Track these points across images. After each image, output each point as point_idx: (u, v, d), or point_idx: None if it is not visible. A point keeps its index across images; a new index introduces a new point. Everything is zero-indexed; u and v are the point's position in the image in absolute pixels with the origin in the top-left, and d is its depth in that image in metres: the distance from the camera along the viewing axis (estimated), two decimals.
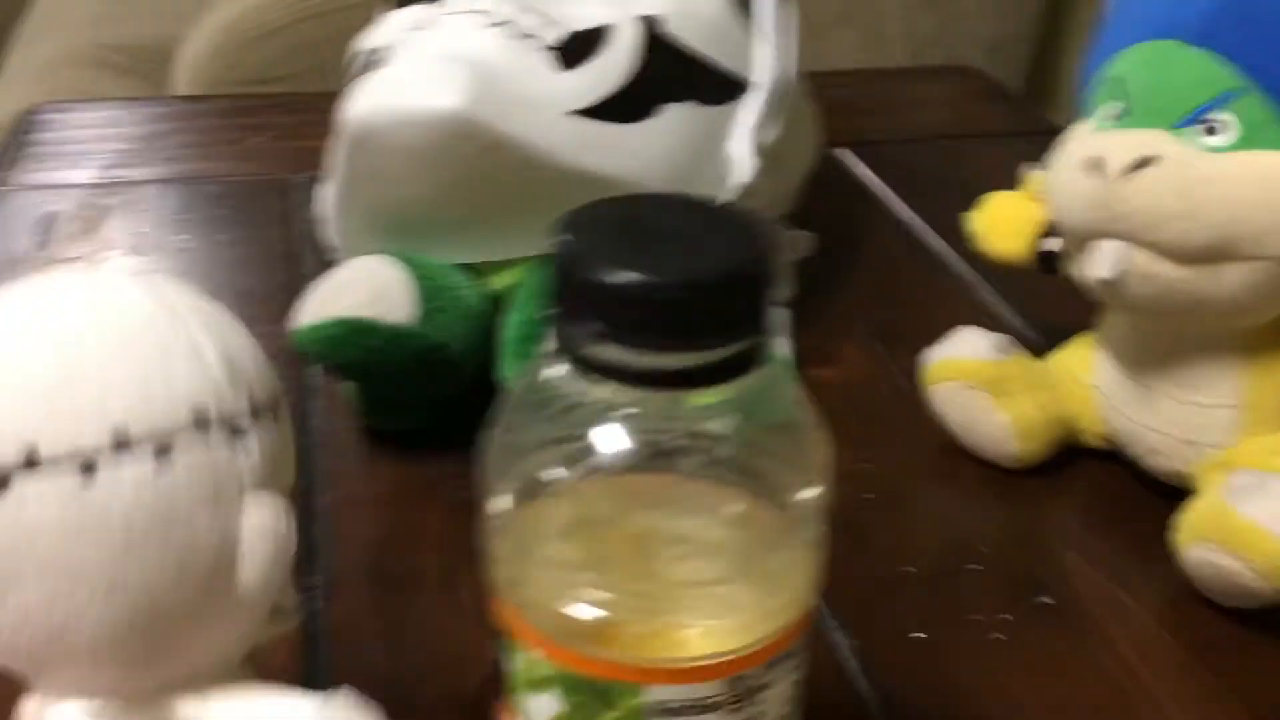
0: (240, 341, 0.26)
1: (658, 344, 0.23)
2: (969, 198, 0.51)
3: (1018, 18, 1.15)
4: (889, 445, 0.47)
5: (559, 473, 0.26)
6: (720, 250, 0.24)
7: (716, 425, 0.26)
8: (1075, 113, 0.42)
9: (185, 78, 1.09)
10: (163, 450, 0.23)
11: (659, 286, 0.23)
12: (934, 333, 0.48)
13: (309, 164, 0.67)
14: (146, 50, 1.29)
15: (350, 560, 0.40)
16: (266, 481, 0.24)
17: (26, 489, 0.22)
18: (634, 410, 0.25)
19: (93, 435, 0.22)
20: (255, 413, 0.25)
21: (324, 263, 0.53)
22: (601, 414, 0.25)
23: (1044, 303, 0.56)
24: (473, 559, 0.40)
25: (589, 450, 0.26)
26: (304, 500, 0.43)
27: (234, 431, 0.24)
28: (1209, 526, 0.38)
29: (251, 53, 1.04)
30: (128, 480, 0.23)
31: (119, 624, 0.23)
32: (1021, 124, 0.78)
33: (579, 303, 0.24)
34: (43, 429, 0.22)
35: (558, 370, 0.26)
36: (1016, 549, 0.42)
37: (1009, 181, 0.50)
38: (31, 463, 0.22)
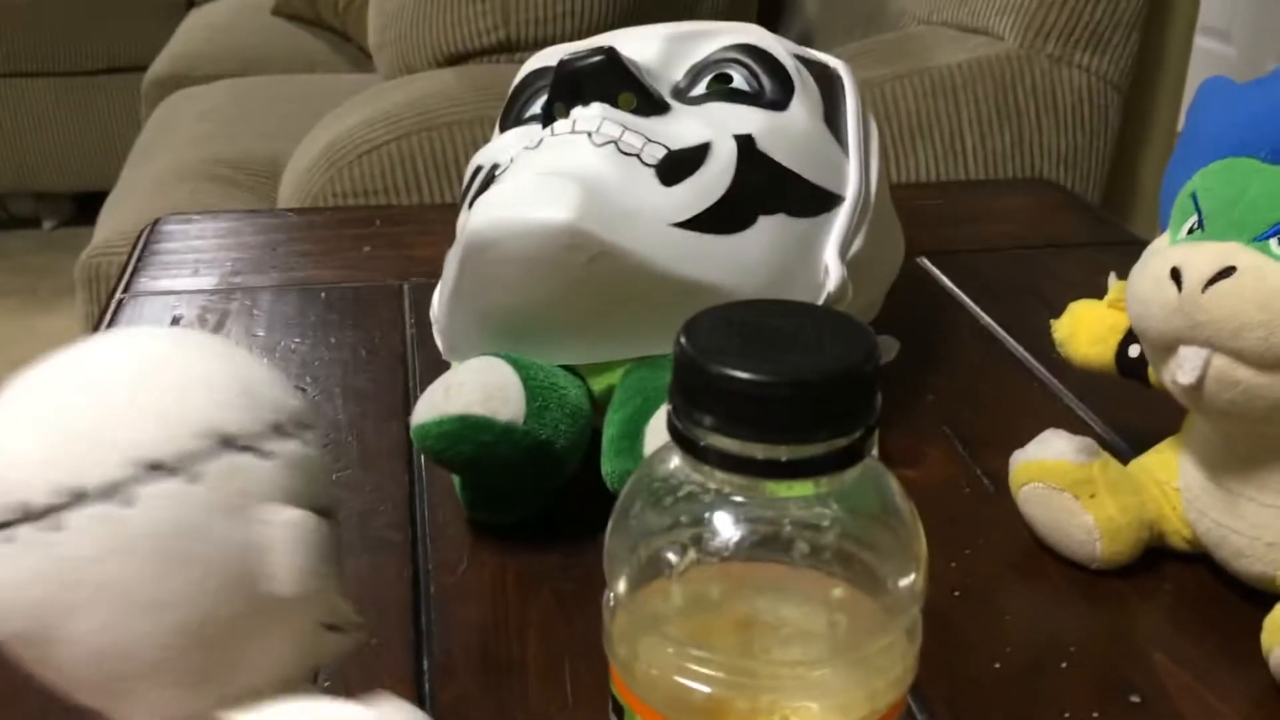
0: (256, 370, 0.28)
1: (768, 436, 0.26)
2: (1049, 306, 0.52)
3: (1090, 132, 1.17)
4: (974, 546, 0.48)
5: (673, 557, 0.28)
6: (827, 351, 0.26)
7: (820, 515, 0.28)
8: (1151, 223, 0.44)
9: (290, 191, 1.15)
10: (185, 472, 0.25)
11: (769, 384, 0.25)
12: (1016, 436, 0.49)
13: (415, 271, 0.71)
14: (253, 165, 1.37)
15: (460, 647, 0.42)
16: (291, 495, 0.27)
17: (71, 524, 0.25)
18: (743, 499, 0.27)
19: (123, 466, 0.25)
20: (274, 433, 0.27)
21: (432, 363, 0.56)
22: (714, 503, 0.27)
23: (1125, 409, 0.57)
24: (575, 647, 0.42)
25: (701, 537, 0.28)
26: (414, 588, 0.45)
27: (252, 450, 0.26)
28: None
29: (353, 168, 1.10)
30: (157, 503, 0.25)
31: (168, 641, 0.25)
32: (1099, 234, 0.79)
33: (696, 397, 0.26)
34: (79, 466, 0.25)
35: (675, 461, 0.28)
36: (1104, 648, 0.43)
37: (1087, 290, 0.52)
38: (73, 499, 0.25)
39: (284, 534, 0.26)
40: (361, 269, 0.72)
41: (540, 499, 0.48)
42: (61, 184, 2.61)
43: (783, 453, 0.25)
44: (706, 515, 0.27)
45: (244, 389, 0.27)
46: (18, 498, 0.25)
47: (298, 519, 0.26)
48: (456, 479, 0.49)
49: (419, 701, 0.40)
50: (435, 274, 0.55)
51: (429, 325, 0.55)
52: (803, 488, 0.27)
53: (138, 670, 0.26)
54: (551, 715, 0.40)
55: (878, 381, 0.26)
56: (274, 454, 0.27)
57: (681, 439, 0.27)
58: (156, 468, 0.25)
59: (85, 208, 2.43)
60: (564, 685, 0.41)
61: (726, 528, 0.27)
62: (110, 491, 0.25)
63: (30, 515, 0.25)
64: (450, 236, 0.52)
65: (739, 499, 0.27)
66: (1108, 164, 1.20)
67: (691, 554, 0.27)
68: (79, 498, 0.25)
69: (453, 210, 0.54)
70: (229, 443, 0.26)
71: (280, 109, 1.52)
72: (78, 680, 0.26)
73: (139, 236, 0.78)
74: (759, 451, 0.26)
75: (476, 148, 0.58)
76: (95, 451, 0.25)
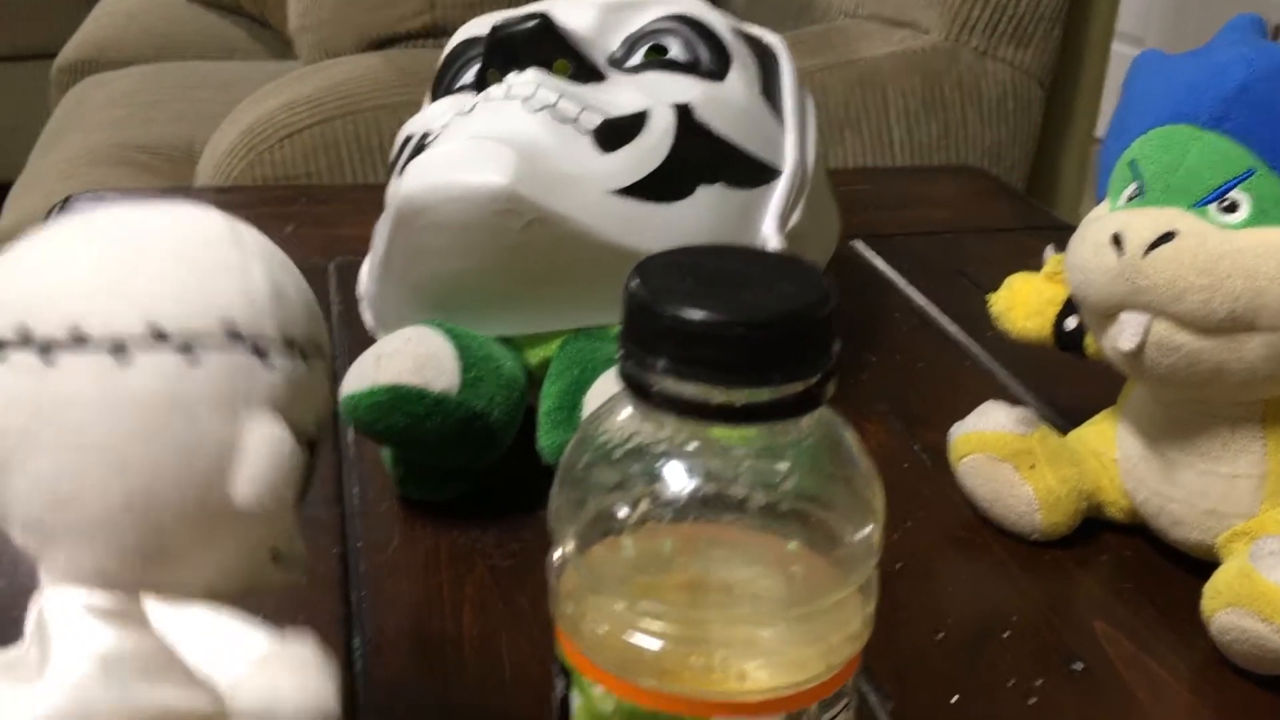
0: (295, 284, 0.27)
1: (723, 379, 0.25)
2: (978, 286, 0.52)
3: (1014, 125, 1.19)
4: (915, 519, 0.48)
5: (623, 512, 0.27)
6: (783, 292, 0.25)
7: (775, 466, 0.27)
8: (1071, 216, 0.44)
9: (207, 176, 1.11)
10: (189, 349, 0.25)
11: (724, 325, 0.24)
12: (953, 411, 0.49)
13: (338, 250, 0.69)
14: (168, 150, 1.33)
15: (392, 624, 0.41)
16: (282, 408, 0.26)
17: (65, 361, 0.24)
18: (696, 449, 0.26)
19: (130, 323, 0.25)
20: (287, 344, 0.26)
21: (359, 343, 0.54)
22: (666, 454, 0.26)
23: (1057, 383, 0.57)
24: (513, 623, 0.41)
25: (651, 491, 0.27)
26: (343, 565, 0.44)
27: (259, 352, 0.26)
28: (1235, 592, 0.39)
29: (274, 152, 1.07)
30: (154, 369, 0.24)
31: (120, 505, 0.25)
32: (1027, 219, 0.80)
33: (648, 340, 0.25)
34: (87, 310, 0.25)
35: (625, 413, 0.27)
36: (1046, 618, 0.43)
37: (1015, 271, 0.52)
38: (75, 339, 0.24)
39: (261, 446, 0.25)
40: (284, 247, 0.70)
41: (473, 476, 0.47)
42: None
43: (737, 396, 0.25)
44: (658, 467, 0.26)
45: (275, 294, 0.26)
46: (21, 320, 0.25)
47: (277, 435, 0.26)
48: (387, 455, 0.47)
49: (351, 679, 0.38)
50: (363, 252, 0.53)
51: (355, 304, 0.53)
52: (758, 435, 0.26)
53: (77, 523, 0.25)
54: (486, 690, 0.38)
55: (834, 325, 0.25)
56: (276, 362, 0.26)
57: (633, 385, 0.26)
58: (160, 337, 0.25)
59: None
60: (501, 660, 0.39)
61: (679, 479, 0.26)
62: (112, 346, 0.24)
63: (28, 341, 0.24)
64: (378, 215, 0.50)
65: (692, 449, 0.26)
66: (1031, 157, 1.22)
67: (643, 508, 0.26)
68: (79, 340, 0.24)
69: (380, 191, 0.53)
70: (237, 336, 0.25)
71: (196, 94, 1.48)
72: (16, 515, 0.26)
73: (48, 215, 0.75)
74: (713, 395, 0.25)
75: None
76: (110, 301, 0.25)
